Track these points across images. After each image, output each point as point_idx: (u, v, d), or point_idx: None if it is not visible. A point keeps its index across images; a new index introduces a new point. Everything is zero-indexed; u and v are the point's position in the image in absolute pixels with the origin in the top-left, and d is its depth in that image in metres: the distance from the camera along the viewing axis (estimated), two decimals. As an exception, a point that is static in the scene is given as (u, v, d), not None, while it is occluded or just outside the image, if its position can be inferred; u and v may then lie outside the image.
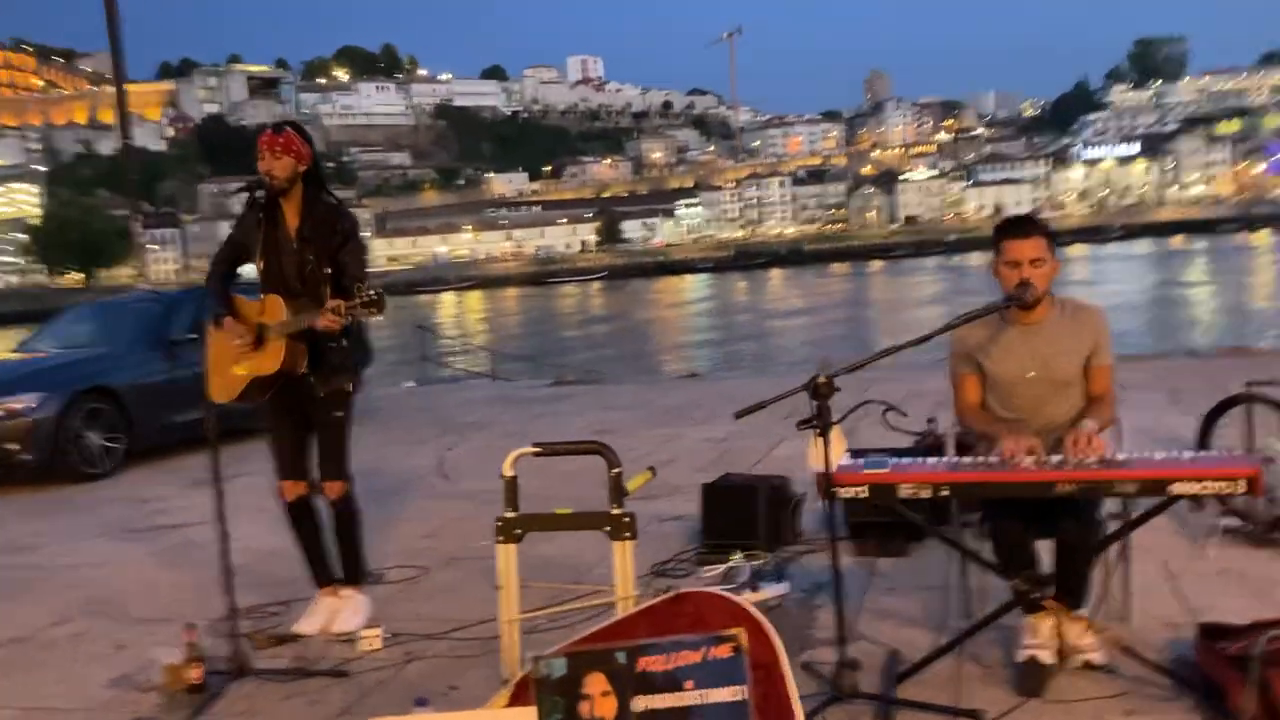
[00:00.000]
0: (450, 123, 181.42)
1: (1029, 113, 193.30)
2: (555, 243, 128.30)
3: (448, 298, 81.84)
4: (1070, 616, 3.22)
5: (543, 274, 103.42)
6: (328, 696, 3.57)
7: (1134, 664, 3.19)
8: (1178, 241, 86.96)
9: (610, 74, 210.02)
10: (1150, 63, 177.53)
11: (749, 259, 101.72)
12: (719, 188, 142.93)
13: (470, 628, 4.08)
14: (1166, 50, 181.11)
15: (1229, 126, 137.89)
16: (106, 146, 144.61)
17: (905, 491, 3.05)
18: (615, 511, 3.27)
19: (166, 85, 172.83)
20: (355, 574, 4.30)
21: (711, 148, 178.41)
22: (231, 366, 4.12)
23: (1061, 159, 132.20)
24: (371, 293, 3.70)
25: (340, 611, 4.21)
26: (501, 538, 3.37)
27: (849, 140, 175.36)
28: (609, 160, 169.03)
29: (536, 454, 3.45)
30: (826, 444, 3.02)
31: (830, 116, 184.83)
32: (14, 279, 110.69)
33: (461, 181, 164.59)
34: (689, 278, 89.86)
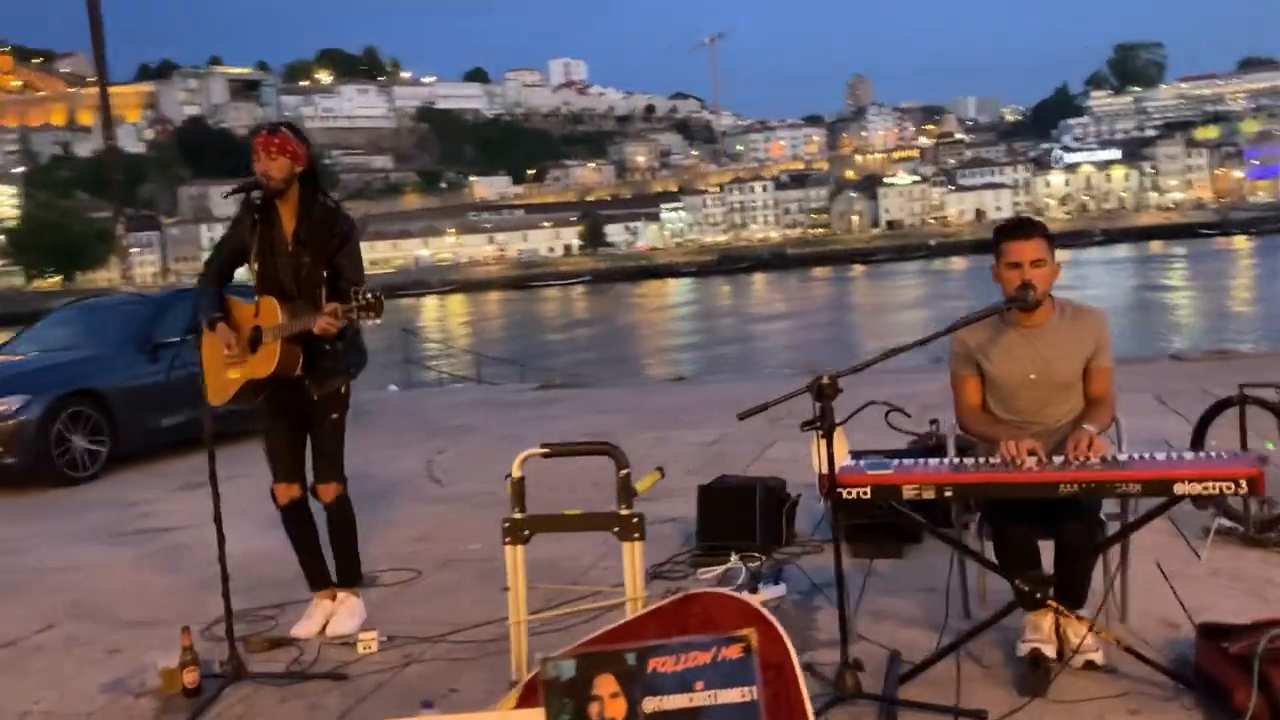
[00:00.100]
0: (433, 126, 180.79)
1: (1010, 118, 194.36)
2: (538, 246, 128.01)
3: (430, 301, 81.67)
4: (1071, 617, 3.23)
5: (526, 278, 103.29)
6: (326, 700, 3.54)
7: (1135, 664, 3.19)
8: (1158, 246, 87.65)
9: (593, 78, 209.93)
10: (1129, 68, 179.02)
11: (732, 263, 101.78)
12: (702, 192, 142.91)
13: (467, 630, 4.06)
14: (1145, 56, 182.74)
15: (1207, 132, 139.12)
16: (84, 148, 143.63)
17: (909, 492, 3.05)
18: (624, 512, 3.25)
19: (146, 87, 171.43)
20: (351, 576, 4.27)
21: (695, 152, 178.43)
22: (226, 369, 4.09)
23: (1042, 164, 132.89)
24: (369, 296, 3.67)
25: (335, 614, 4.18)
26: (509, 539, 3.35)
27: (831, 145, 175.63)
28: (592, 164, 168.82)
29: (545, 455, 3.43)
30: (830, 445, 3.02)
31: (812, 121, 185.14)
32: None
33: (444, 185, 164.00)
34: (672, 282, 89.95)
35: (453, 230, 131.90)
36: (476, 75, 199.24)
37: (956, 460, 3.28)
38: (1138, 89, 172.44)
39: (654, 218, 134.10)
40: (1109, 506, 3.46)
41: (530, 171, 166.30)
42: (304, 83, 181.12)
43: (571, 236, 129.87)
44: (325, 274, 3.98)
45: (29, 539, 6.39)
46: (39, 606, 4.87)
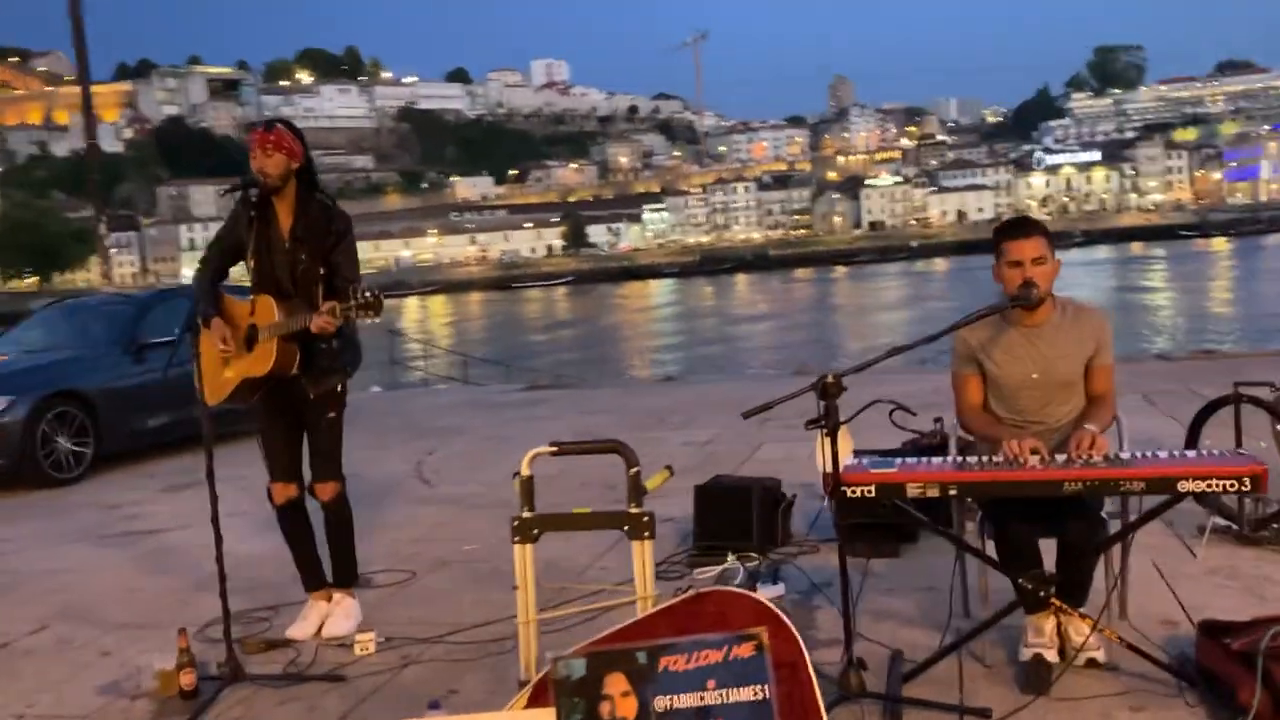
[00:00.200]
0: (414, 126, 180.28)
1: (991, 119, 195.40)
2: (520, 247, 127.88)
3: (411, 302, 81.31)
4: (1074, 615, 3.24)
5: (508, 279, 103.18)
6: (324, 702, 3.51)
7: (1137, 662, 3.20)
8: (1138, 248, 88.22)
9: (575, 78, 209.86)
10: (1109, 71, 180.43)
11: (714, 264, 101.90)
12: (685, 193, 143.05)
13: (466, 631, 4.04)
14: (1125, 59, 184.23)
15: (1186, 134, 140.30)
16: (61, 148, 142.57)
17: (913, 491, 3.04)
18: (634, 510, 3.24)
19: (124, 86, 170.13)
20: (347, 577, 4.24)
21: (677, 153, 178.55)
22: (221, 368, 4.05)
23: (1023, 165, 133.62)
24: (368, 294, 3.65)
25: (331, 616, 4.15)
26: (519, 538, 3.32)
27: (814, 146, 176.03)
28: (574, 164, 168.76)
29: (554, 453, 3.41)
30: (834, 443, 3.01)
31: (795, 122, 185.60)
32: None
33: (425, 185, 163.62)
34: (654, 282, 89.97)
35: (434, 231, 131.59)
36: (458, 75, 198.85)
37: (960, 459, 3.28)
38: (1118, 91, 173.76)
39: (636, 218, 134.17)
40: (1108, 505, 3.46)
41: (512, 172, 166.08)
42: (284, 82, 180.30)
43: (554, 237, 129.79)
44: (322, 271, 3.95)
45: (15, 541, 6.32)
46: (28, 609, 4.82)
